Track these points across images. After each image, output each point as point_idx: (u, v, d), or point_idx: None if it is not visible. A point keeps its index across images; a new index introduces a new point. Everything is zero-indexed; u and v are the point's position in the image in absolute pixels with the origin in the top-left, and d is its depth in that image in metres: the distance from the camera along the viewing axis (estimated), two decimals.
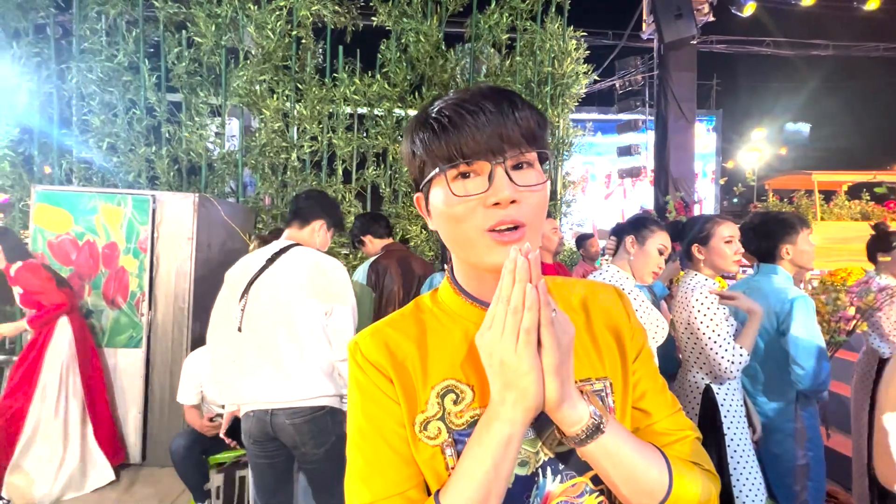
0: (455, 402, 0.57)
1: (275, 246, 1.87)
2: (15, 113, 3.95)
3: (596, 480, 0.59)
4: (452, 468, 0.55)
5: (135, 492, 2.81)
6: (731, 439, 1.68)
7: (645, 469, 0.54)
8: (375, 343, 0.60)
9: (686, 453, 0.60)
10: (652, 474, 0.54)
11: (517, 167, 0.54)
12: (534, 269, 0.49)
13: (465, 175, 0.54)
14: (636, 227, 1.75)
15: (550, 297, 0.50)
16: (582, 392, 0.54)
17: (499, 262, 0.53)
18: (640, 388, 0.63)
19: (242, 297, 1.79)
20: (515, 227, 0.53)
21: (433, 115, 0.55)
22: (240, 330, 1.77)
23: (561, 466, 0.58)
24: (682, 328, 1.77)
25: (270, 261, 1.81)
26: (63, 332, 2.82)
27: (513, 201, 0.53)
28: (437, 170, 0.55)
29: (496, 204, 0.53)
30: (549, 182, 0.57)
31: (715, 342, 1.63)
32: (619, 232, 1.80)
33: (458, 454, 0.55)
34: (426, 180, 0.57)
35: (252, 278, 1.80)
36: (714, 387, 1.70)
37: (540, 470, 0.58)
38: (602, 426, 0.52)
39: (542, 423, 0.57)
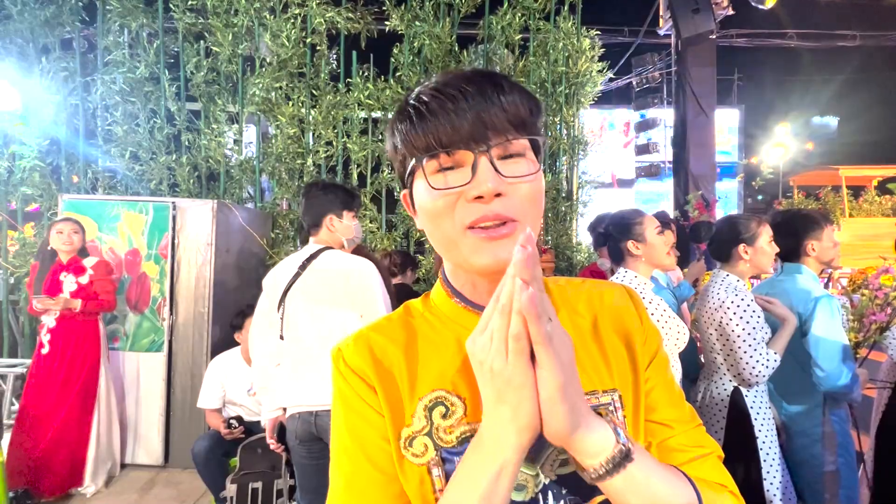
0: (444, 416, 0.51)
1: (305, 252, 1.87)
2: (43, 125, 4.09)
3: None
4: (440, 490, 0.49)
5: (156, 493, 2.87)
6: (763, 442, 1.63)
7: (673, 501, 0.46)
8: (359, 349, 0.55)
9: (708, 473, 0.53)
10: (682, 493, 0.47)
11: (506, 157, 0.49)
12: (532, 267, 0.40)
13: (447, 167, 0.49)
14: (624, 230, 1.70)
15: (548, 303, 0.42)
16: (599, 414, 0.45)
17: (485, 262, 0.48)
18: (653, 398, 0.56)
19: (280, 305, 1.82)
20: (504, 223, 0.47)
21: (411, 101, 0.50)
22: (282, 338, 1.82)
23: (563, 491, 0.51)
24: (712, 329, 1.72)
25: (302, 267, 1.82)
26: (103, 334, 2.97)
27: (498, 194, 0.47)
28: (414, 161, 0.50)
29: (479, 198, 0.47)
30: (542, 172, 0.51)
31: (749, 345, 1.59)
32: (612, 240, 1.74)
33: (447, 475, 0.49)
34: (408, 174, 0.52)
35: (287, 286, 1.82)
36: (742, 390, 1.65)
37: (540, 495, 0.51)
38: (631, 454, 0.43)
39: (538, 443, 0.50)
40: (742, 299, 1.64)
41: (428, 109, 0.48)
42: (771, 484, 1.60)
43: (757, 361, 1.58)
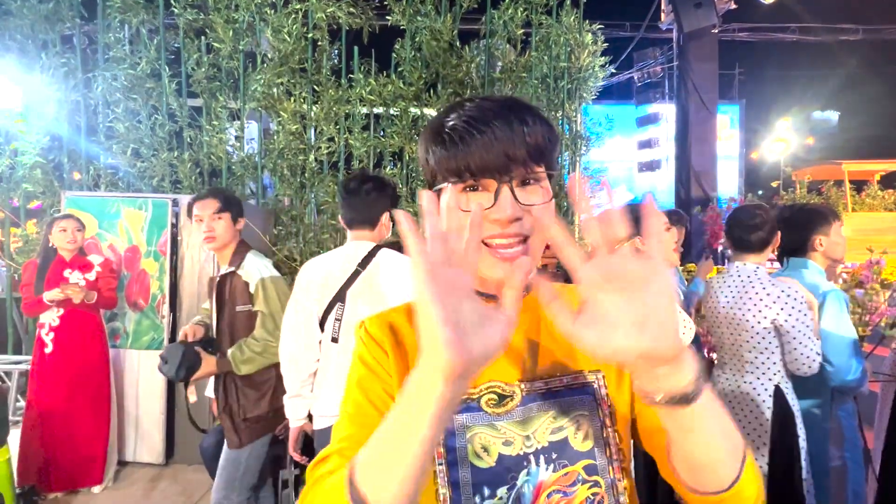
0: None
1: (356, 249, 1.74)
2: (45, 122, 4.08)
3: (589, 470, 0.58)
4: (442, 445, 0.58)
5: (162, 489, 2.88)
6: (802, 439, 1.61)
7: (732, 426, 0.48)
8: (380, 323, 0.65)
9: None
10: (736, 435, 0.48)
11: (524, 183, 0.57)
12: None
13: (473, 188, 0.57)
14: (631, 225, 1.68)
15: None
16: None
17: (497, 277, 0.55)
18: None
19: (335, 305, 1.67)
20: (517, 243, 0.55)
21: (447, 128, 0.57)
22: (335, 340, 1.65)
23: (554, 455, 0.58)
24: (754, 323, 1.65)
25: (362, 265, 1.69)
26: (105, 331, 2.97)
27: (515, 219, 0.55)
28: (445, 182, 0.58)
29: (498, 220, 0.55)
30: (553, 200, 0.58)
31: (808, 338, 1.58)
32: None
33: (447, 432, 0.58)
34: (437, 188, 0.60)
35: (343, 286, 1.67)
36: (782, 388, 1.62)
37: (532, 457, 0.58)
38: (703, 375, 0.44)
39: (529, 413, 0.58)
40: (794, 291, 1.63)
41: (461, 139, 0.55)
42: (805, 480, 1.59)
43: (817, 354, 1.58)
